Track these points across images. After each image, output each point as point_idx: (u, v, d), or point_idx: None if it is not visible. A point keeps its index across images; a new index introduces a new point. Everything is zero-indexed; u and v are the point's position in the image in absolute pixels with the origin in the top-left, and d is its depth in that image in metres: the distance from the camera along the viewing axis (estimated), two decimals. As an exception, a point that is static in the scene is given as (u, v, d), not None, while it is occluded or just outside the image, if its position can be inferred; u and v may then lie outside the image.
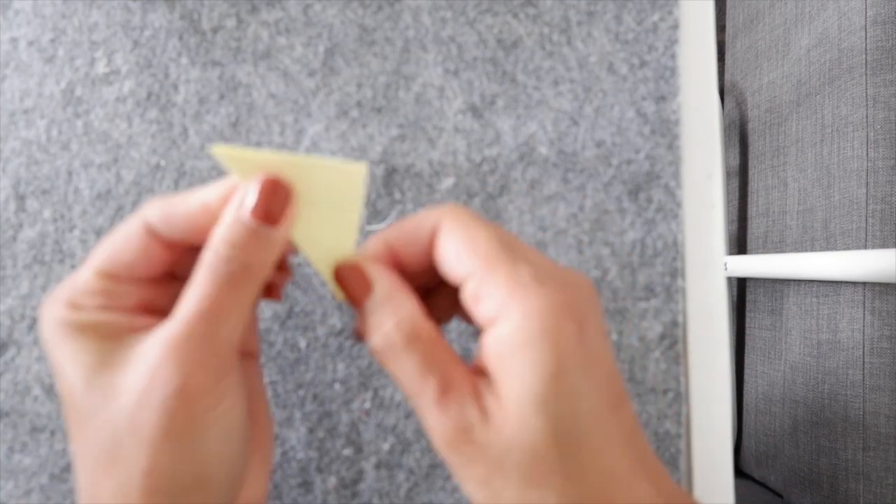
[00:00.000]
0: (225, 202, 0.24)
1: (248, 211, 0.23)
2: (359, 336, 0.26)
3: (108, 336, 0.24)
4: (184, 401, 0.22)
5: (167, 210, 0.24)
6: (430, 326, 0.24)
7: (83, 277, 0.24)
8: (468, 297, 0.24)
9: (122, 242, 0.25)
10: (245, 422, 0.25)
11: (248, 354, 0.28)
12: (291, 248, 0.27)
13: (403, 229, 0.26)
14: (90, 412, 0.23)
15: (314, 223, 0.25)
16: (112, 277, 0.25)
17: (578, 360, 0.22)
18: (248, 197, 0.24)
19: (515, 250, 0.24)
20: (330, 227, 0.25)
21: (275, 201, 0.24)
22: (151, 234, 0.25)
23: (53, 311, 0.24)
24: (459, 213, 0.25)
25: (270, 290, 0.28)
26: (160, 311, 0.25)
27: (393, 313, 0.24)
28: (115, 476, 0.22)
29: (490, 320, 0.23)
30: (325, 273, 0.26)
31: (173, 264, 0.26)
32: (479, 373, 0.24)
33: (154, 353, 0.23)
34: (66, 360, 0.23)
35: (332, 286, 0.26)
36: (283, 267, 0.28)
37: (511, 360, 0.22)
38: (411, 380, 0.24)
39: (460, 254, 0.24)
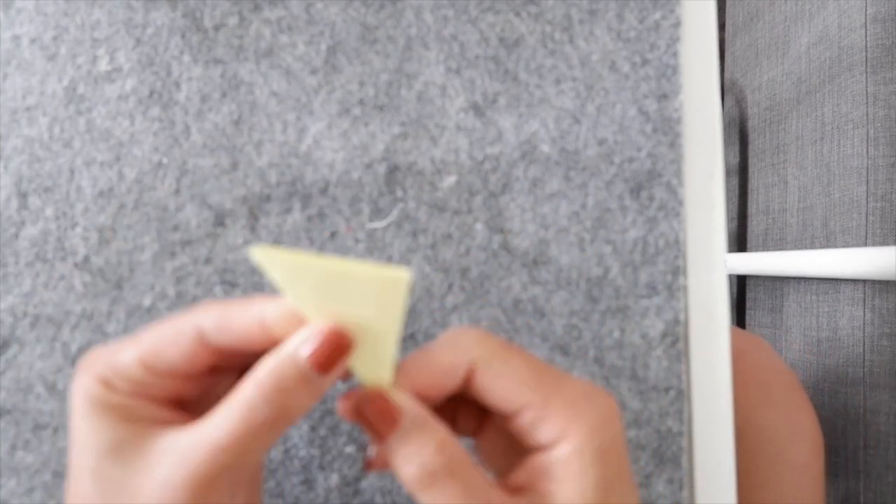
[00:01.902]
0: (282, 324, 0.24)
1: (306, 358, 0.23)
2: (374, 466, 0.27)
3: (132, 421, 0.24)
4: None
5: (223, 319, 0.24)
6: (464, 451, 0.25)
7: (125, 361, 0.24)
8: (525, 425, 0.25)
9: (170, 341, 0.24)
10: None
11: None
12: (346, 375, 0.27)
13: (429, 366, 0.26)
14: (92, 496, 0.23)
15: (357, 329, 0.24)
16: (152, 370, 0.24)
17: (624, 470, 0.25)
18: (308, 341, 0.23)
19: (552, 373, 0.26)
20: (370, 335, 0.24)
21: (335, 353, 0.24)
22: (202, 340, 0.24)
23: (87, 384, 0.24)
24: (489, 345, 0.26)
25: None
26: (190, 403, 0.26)
27: (430, 440, 0.24)
28: None
29: (549, 443, 0.25)
30: (369, 378, 0.25)
31: (215, 364, 0.26)
32: (516, 491, 0.25)
33: (172, 469, 0.23)
34: (84, 434, 0.24)
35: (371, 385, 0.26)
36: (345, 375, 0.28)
37: (572, 478, 0.24)
38: None
39: (510, 389, 0.25)
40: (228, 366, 0.26)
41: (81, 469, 0.23)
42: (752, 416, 0.57)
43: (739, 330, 0.65)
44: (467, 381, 0.26)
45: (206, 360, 0.25)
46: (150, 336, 0.25)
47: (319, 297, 0.23)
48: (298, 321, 0.24)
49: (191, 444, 0.23)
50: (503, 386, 0.25)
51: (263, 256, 0.23)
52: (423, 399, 0.26)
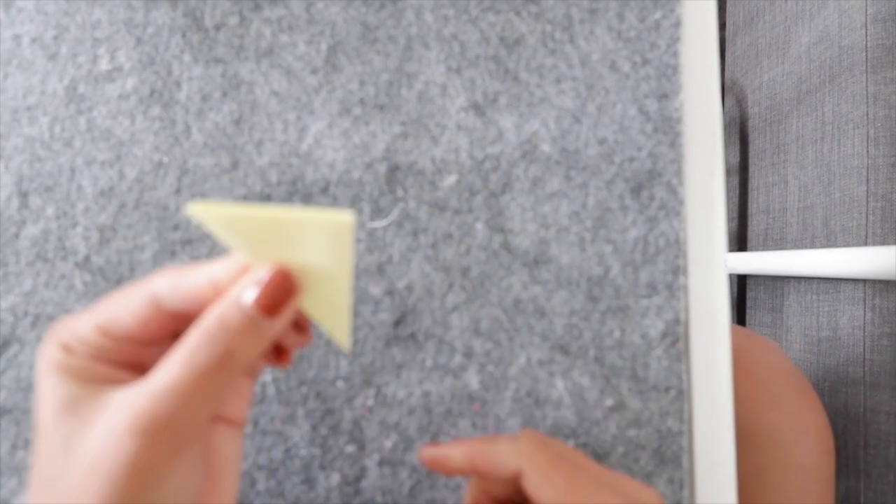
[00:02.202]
0: (231, 281, 0.24)
1: (251, 299, 0.23)
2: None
3: (87, 381, 0.24)
4: (132, 473, 0.22)
5: (175, 282, 0.24)
6: None
7: (82, 326, 0.25)
8: None
9: (125, 306, 0.25)
10: (194, 498, 0.25)
11: (229, 422, 0.28)
12: (303, 316, 0.27)
13: (485, 453, 0.30)
14: (49, 453, 0.23)
15: (306, 275, 0.24)
16: (108, 335, 0.25)
17: None
18: (252, 285, 0.24)
19: (594, 483, 0.28)
20: (323, 280, 0.24)
21: (280, 294, 0.24)
22: (156, 304, 0.25)
23: (48, 350, 0.25)
24: (537, 459, 0.29)
25: (280, 356, 0.28)
26: (148, 367, 0.26)
27: None
28: None
29: None
30: (325, 324, 0.26)
31: (172, 330, 0.26)
32: None
33: (115, 417, 0.23)
34: (43, 395, 0.24)
35: (334, 336, 0.26)
36: (302, 329, 0.28)
37: None
38: None
39: (549, 497, 0.28)
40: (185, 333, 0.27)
41: (43, 426, 0.24)
42: (762, 416, 0.57)
43: (748, 331, 0.65)
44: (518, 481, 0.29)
45: (162, 324, 0.25)
46: (107, 303, 0.25)
47: (266, 247, 0.23)
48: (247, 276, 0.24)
49: (135, 394, 0.23)
50: (544, 495, 0.28)
51: (203, 212, 0.22)
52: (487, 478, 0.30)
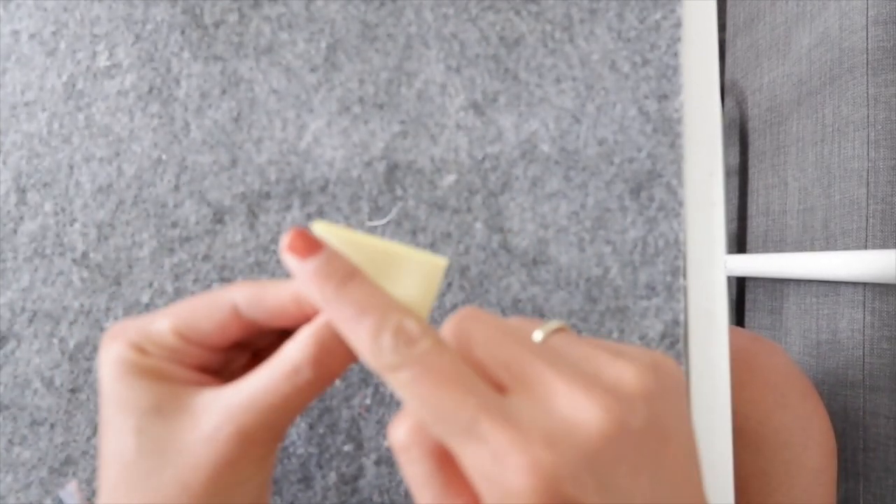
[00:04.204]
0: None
1: None
2: None
3: (168, 382, 0.25)
4: (234, 468, 0.24)
5: (258, 295, 0.26)
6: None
7: (158, 328, 0.26)
8: None
9: (205, 313, 0.26)
10: (263, 491, 0.27)
11: None
12: None
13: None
14: (136, 453, 0.24)
15: None
16: (185, 338, 0.26)
17: None
18: None
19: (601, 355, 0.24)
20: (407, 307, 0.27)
21: None
22: (235, 314, 0.26)
23: (119, 350, 0.25)
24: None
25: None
26: (212, 371, 0.28)
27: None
28: None
29: None
30: None
31: (244, 338, 0.28)
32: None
33: (219, 416, 0.24)
34: (122, 397, 0.25)
35: None
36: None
37: None
38: None
39: None
40: (250, 343, 0.28)
41: (122, 428, 0.25)
42: (767, 419, 0.57)
43: (754, 334, 0.64)
44: None
45: (236, 333, 0.27)
46: (184, 307, 0.27)
47: (368, 272, 0.26)
48: None
49: (237, 402, 0.24)
50: None
51: (323, 230, 0.26)
52: None
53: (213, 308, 0.26)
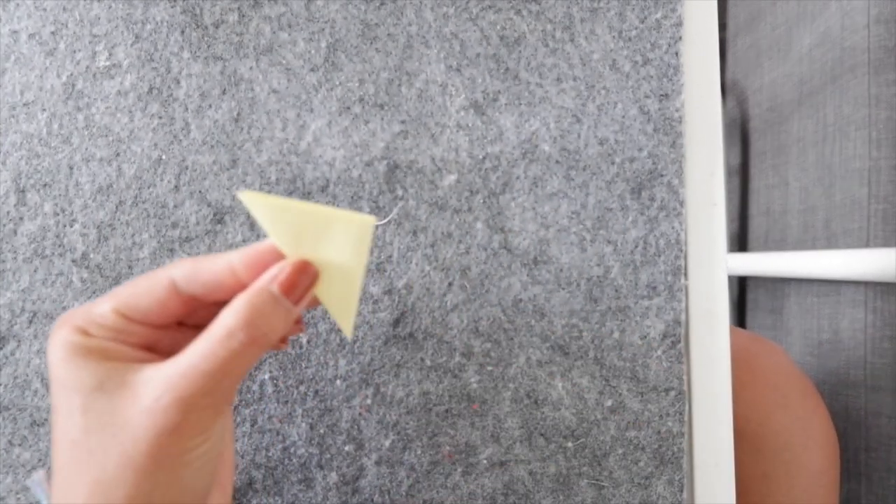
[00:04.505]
0: (248, 268, 0.27)
1: (278, 285, 0.26)
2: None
3: (112, 360, 0.26)
4: (178, 438, 0.25)
5: (194, 269, 0.27)
6: None
7: (100, 310, 0.27)
8: None
9: (144, 290, 0.27)
10: (217, 460, 0.28)
11: None
12: (316, 302, 0.29)
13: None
14: (82, 431, 0.25)
15: (326, 266, 0.28)
16: (127, 317, 0.27)
17: None
18: (281, 273, 0.27)
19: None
20: (339, 270, 0.28)
21: (303, 282, 0.27)
22: (174, 289, 0.27)
23: (64, 334, 0.26)
24: None
25: (281, 340, 0.31)
26: (161, 350, 0.28)
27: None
28: (97, 495, 0.25)
29: None
30: (335, 311, 0.29)
31: (186, 315, 0.28)
32: None
33: (158, 387, 0.25)
34: (68, 379, 0.25)
35: (342, 324, 0.29)
36: (298, 320, 0.31)
37: None
38: None
39: None
40: (193, 322, 0.29)
41: (69, 408, 0.25)
42: (768, 420, 0.57)
43: (755, 335, 0.64)
44: None
45: (177, 308, 0.27)
46: (125, 287, 0.27)
47: (297, 235, 0.27)
48: (263, 266, 0.27)
49: (175, 371, 0.25)
50: None
51: (249, 199, 0.26)
52: None
53: (152, 285, 0.27)
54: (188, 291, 0.27)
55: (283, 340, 0.31)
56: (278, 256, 0.27)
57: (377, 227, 0.37)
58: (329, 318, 0.37)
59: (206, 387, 0.25)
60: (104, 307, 0.27)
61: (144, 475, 0.24)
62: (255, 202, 0.26)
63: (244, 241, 0.37)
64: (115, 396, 0.25)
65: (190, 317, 0.29)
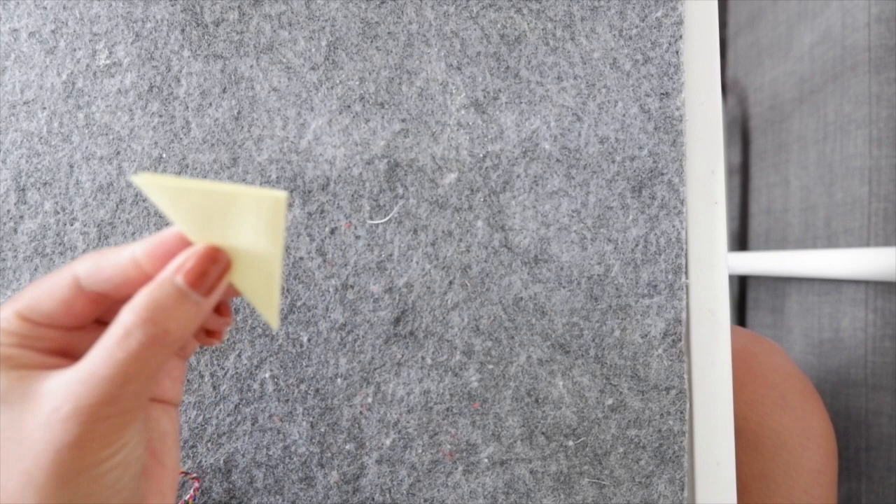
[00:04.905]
0: (153, 259, 0.24)
1: (183, 276, 0.24)
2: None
3: (16, 369, 0.23)
4: (81, 452, 0.22)
5: (96, 264, 0.24)
6: None
7: (3, 315, 0.24)
8: None
9: (46, 291, 0.25)
10: (138, 471, 0.25)
11: (163, 402, 0.28)
12: (234, 291, 0.27)
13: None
14: None
15: (240, 251, 0.25)
16: (30, 321, 0.24)
17: None
18: (185, 263, 0.24)
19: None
20: (254, 255, 0.25)
21: (213, 272, 0.24)
22: (78, 287, 0.25)
23: None
24: None
25: (210, 334, 0.28)
26: (79, 354, 0.25)
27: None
28: None
29: None
30: (256, 300, 0.26)
31: (100, 314, 0.26)
32: None
33: (58, 397, 0.23)
34: None
35: (265, 314, 0.26)
36: (224, 312, 0.28)
37: None
38: None
39: None
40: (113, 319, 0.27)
41: None
42: (767, 420, 0.57)
43: (754, 334, 0.64)
44: None
45: (85, 308, 0.25)
46: (28, 289, 0.25)
47: (203, 219, 0.24)
48: (169, 255, 0.24)
49: (75, 378, 0.23)
50: None
51: (146, 183, 0.23)
52: None
53: (55, 285, 0.25)
54: (93, 289, 0.25)
55: (212, 334, 0.28)
56: (185, 244, 0.25)
57: (375, 225, 0.37)
58: (329, 316, 0.37)
59: (108, 394, 0.23)
60: (6, 311, 0.24)
61: (48, 494, 0.22)
62: (150, 185, 0.23)
63: (245, 239, 0.37)
64: (17, 409, 0.23)
65: (108, 315, 0.26)
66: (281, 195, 0.23)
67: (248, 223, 0.24)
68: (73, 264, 0.25)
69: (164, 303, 0.23)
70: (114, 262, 0.24)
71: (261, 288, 0.26)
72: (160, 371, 0.24)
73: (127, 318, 0.23)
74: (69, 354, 0.25)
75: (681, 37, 0.38)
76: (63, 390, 0.23)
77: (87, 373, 0.23)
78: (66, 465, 0.22)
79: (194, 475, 0.36)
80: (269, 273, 0.25)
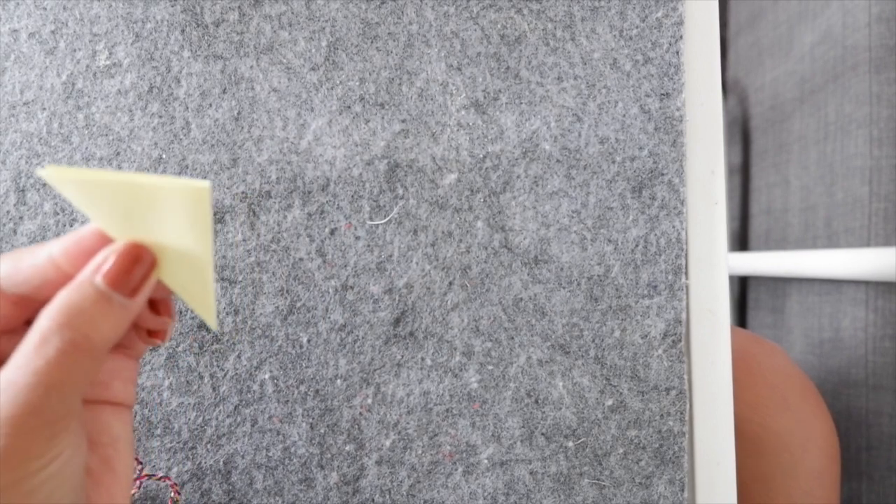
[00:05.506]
0: (70, 258, 0.23)
1: (103, 277, 0.22)
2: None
3: None
4: (8, 466, 0.21)
5: (14, 266, 0.23)
6: None
7: None
8: None
9: None
10: (79, 478, 0.24)
11: (114, 404, 0.27)
12: (167, 289, 0.25)
13: None
14: None
15: (167, 247, 0.23)
16: None
17: None
18: (106, 263, 0.23)
19: None
20: (182, 250, 0.23)
21: (136, 270, 0.23)
22: None
23: None
24: None
25: (153, 334, 0.27)
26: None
27: None
28: None
29: None
30: (189, 299, 0.25)
31: (27, 315, 0.24)
32: None
33: None
34: None
35: (200, 313, 0.25)
36: (163, 310, 0.26)
37: None
38: None
39: None
40: None
41: None
42: (768, 421, 0.57)
43: (755, 335, 0.64)
44: None
45: (8, 311, 0.24)
46: None
47: (124, 214, 0.22)
48: (89, 254, 0.23)
49: None
50: None
51: (55, 177, 0.21)
52: None
53: None
54: (13, 290, 0.23)
55: (154, 334, 0.26)
56: (105, 242, 0.23)
57: (375, 225, 0.37)
58: (329, 317, 0.37)
59: (30, 404, 0.21)
60: None
61: None
62: (62, 179, 0.21)
63: (244, 240, 0.37)
64: None
65: (35, 317, 0.24)
66: (203, 185, 0.21)
67: (173, 216, 0.22)
68: None
69: (82, 305, 0.22)
70: (30, 262, 0.23)
71: (194, 286, 0.24)
72: (90, 377, 0.23)
73: (44, 323, 0.22)
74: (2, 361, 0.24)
75: (681, 37, 0.38)
76: None
77: (5, 382, 0.21)
78: None
79: (172, 481, 0.36)
80: (201, 269, 0.23)
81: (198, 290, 0.24)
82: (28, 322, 0.24)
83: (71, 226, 0.37)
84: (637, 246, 0.37)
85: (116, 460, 0.26)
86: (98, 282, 0.22)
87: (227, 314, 0.37)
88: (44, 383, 0.21)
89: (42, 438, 0.22)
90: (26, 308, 0.24)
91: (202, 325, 0.37)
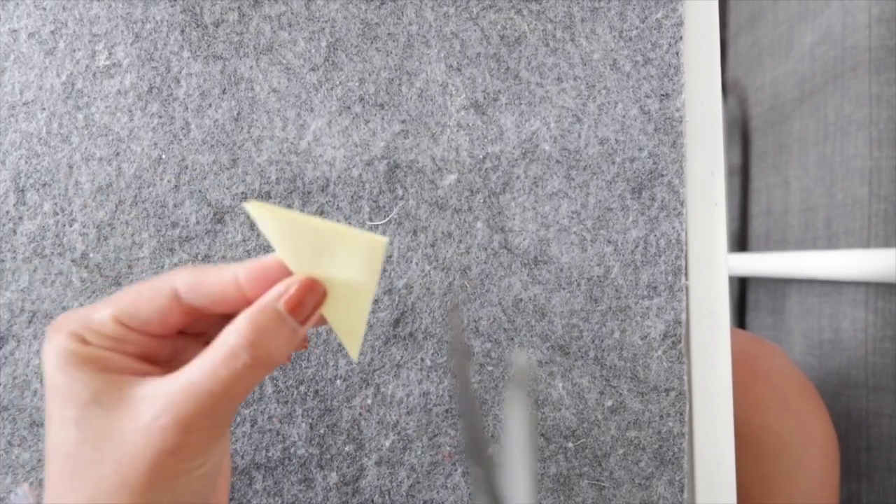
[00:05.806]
0: (253, 282, 0.26)
1: (285, 304, 0.25)
2: None
3: (109, 371, 0.25)
4: (176, 460, 0.24)
5: (198, 280, 0.26)
6: None
7: (99, 317, 0.25)
8: None
9: (146, 299, 0.26)
10: (216, 482, 0.27)
11: None
12: (322, 321, 0.28)
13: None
14: (76, 445, 0.24)
15: (334, 284, 0.26)
16: (126, 326, 0.26)
17: None
18: (286, 291, 0.26)
19: None
20: (347, 290, 0.27)
21: (310, 301, 0.26)
22: (176, 299, 0.26)
23: (60, 341, 0.25)
24: None
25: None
26: (159, 361, 0.27)
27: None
28: None
29: None
30: (342, 331, 0.28)
31: (187, 325, 0.27)
32: None
33: (157, 405, 0.24)
34: (62, 388, 0.24)
35: (348, 346, 0.28)
36: (303, 339, 0.30)
37: None
38: None
39: None
40: (195, 331, 0.28)
41: (63, 419, 0.24)
42: (768, 422, 0.57)
43: (755, 336, 0.64)
44: None
45: (178, 319, 0.26)
46: (125, 294, 0.26)
47: (305, 251, 0.26)
48: (269, 281, 0.26)
49: (175, 389, 0.24)
50: None
51: (257, 211, 0.25)
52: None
53: (153, 294, 0.26)
54: (190, 302, 0.26)
55: (286, 357, 0.30)
56: (284, 272, 0.26)
57: (375, 226, 0.37)
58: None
59: (207, 407, 0.24)
60: (103, 314, 0.25)
61: (140, 495, 0.24)
62: (262, 214, 0.25)
63: (244, 240, 0.37)
64: (112, 411, 0.24)
65: (190, 326, 0.28)
66: (383, 240, 0.26)
67: (347, 260, 0.26)
68: (171, 276, 0.26)
69: (267, 327, 0.25)
70: (215, 280, 0.26)
71: (348, 321, 0.27)
72: (253, 389, 0.26)
73: (233, 339, 0.24)
74: (151, 359, 0.27)
75: (681, 38, 0.38)
76: (162, 399, 0.24)
77: (188, 384, 0.24)
78: (162, 471, 0.24)
79: None
80: (359, 309, 0.27)
81: (351, 326, 0.27)
82: (180, 332, 0.27)
83: (70, 226, 0.37)
84: (637, 247, 0.37)
85: (225, 463, 0.29)
86: (280, 307, 0.25)
87: (226, 314, 0.37)
88: (224, 391, 0.24)
89: (209, 440, 0.25)
90: (190, 317, 0.27)
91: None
